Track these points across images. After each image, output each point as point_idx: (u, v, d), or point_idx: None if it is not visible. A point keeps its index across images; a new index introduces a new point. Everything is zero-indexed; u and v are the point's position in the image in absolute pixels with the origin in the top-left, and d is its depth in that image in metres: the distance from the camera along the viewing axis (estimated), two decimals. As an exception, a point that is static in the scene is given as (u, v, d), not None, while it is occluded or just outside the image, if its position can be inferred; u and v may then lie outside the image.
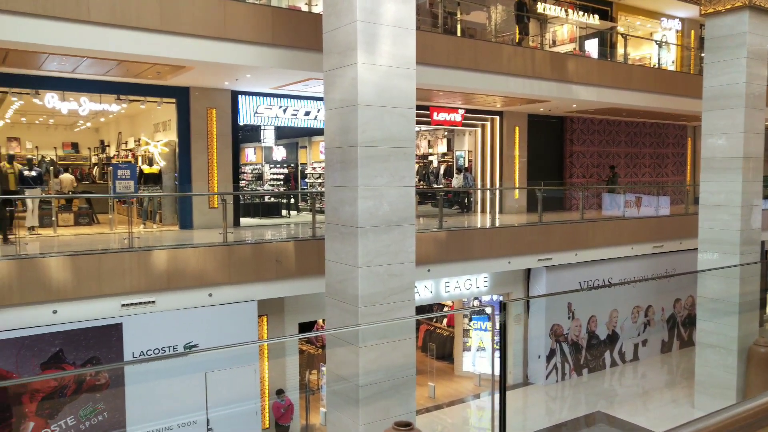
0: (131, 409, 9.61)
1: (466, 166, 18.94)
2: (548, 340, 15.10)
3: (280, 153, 22.72)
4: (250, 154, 23.98)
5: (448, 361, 16.74)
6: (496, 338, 14.92)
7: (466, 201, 18.99)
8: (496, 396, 5.74)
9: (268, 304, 11.50)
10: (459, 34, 14.89)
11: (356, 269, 7.75)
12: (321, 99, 14.96)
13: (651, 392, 14.88)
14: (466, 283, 14.40)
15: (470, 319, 16.17)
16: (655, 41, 21.10)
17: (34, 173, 12.38)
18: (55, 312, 8.82)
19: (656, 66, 19.97)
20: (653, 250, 16.39)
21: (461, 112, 17.25)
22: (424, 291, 13.60)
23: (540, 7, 17.41)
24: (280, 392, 11.49)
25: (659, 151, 22.45)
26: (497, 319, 5.26)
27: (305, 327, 13.14)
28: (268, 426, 11.59)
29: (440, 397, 14.50)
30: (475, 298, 15.94)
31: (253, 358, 10.75)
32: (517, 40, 16.09)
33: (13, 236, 11.19)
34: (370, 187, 7.71)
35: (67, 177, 16.16)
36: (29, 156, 16.66)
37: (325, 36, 8.27)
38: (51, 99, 12.13)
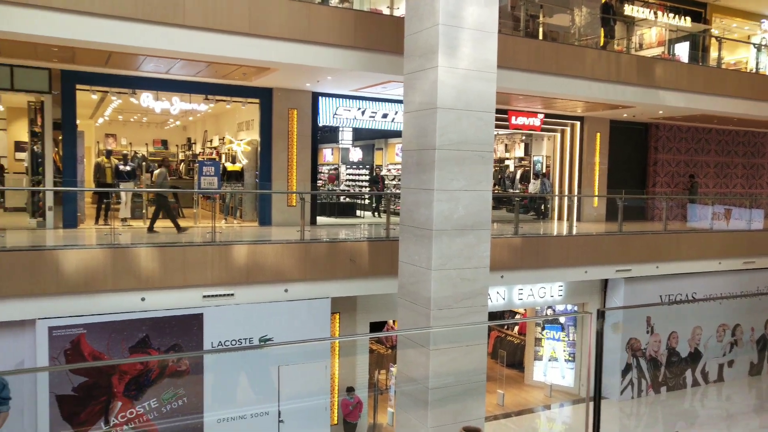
0: (209, 396, 10.03)
1: (544, 171, 18.55)
2: (624, 353, 14.55)
3: (356, 154, 23.06)
4: (327, 154, 24.48)
5: (518, 369, 16.46)
6: (587, 348, 14.60)
7: (542, 207, 18.60)
8: (590, 407, 5.62)
9: (341, 302, 11.71)
10: (541, 37, 14.60)
11: (429, 272, 7.77)
12: (399, 101, 15.14)
13: (736, 416, 14.06)
14: (539, 291, 14.11)
15: (543, 328, 15.83)
16: (754, 44, 19.90)
17: (128, 168, 13.17)
18: (143, 299, 9.34)
19: (754, 71, 18.82)
20: (744, 265, 15.46)
21: (540, 116, 16.93)
22: (496, 297, 13.43)
23: (627, 9, 16.82)
24: (350, 390, 11.67)
25: (754, 161, 21.16)
26: (593, 327, 5.16)
27: (376, 326, 13.28)
28: (336, 422, 11.80)
29: (509, 405, 14.27)
30: (549, 307, 15.59)
31: (324, 354, 10.97)
32: (601, 44, 15.61)
33: (108, 226, 11.97)
34: (446, 191, 7.72)
35: (161, 171, 17.04)
36: (124, 152, 17.70)
37: (406, 39, 8.35)
38: (146, 98, 12.86)
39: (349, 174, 22.73)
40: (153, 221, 11.63)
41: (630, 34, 16.89)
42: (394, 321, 14.73)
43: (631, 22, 16.75)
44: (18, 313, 8.75)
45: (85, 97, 12.96)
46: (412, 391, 8.12)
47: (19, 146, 17.76)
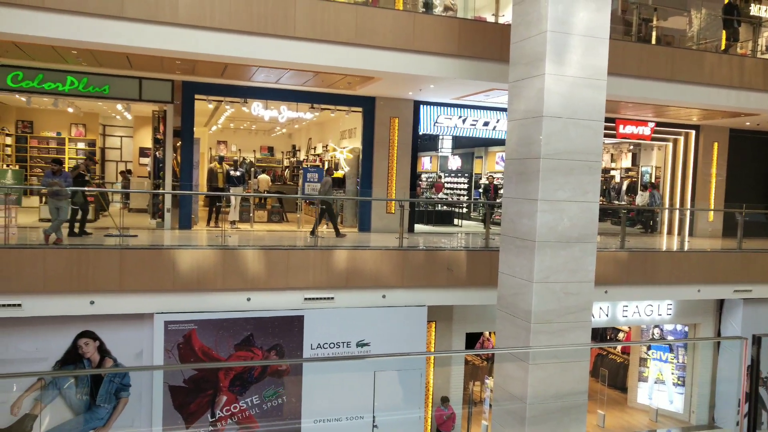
0: (307, 397, 10.32)
1: (653, 182, 17.58)
2: (742, 382, 13.42)
3: (455, 162, 22.96)
4: (426, 162, 24.54)
5: (620, 390, 15.65)
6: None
7: (650, 221, 17.62)
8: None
9: (438, 311, 11.68)
10: (654, 41, 13.88)
11: (531, 284, 7.58)
12: (502, 109, 14.94)
13: None
14: (646, 309, 13.38)
15: (648, 348, 14.97)
16: None
17: (238, 173, 13.87)
18: (248, 299, 9.79)
19: None
20: None
21: (651, 125, 16.08)
22: (599, 313, 12.88)
23: (754, 10, 15.62)
24: (444, 400, 11.59)
25: None
26: (748, 352, 4.83)
27: (472, 337, 13.13)
28: (429, 430, 11.76)
29: (610, 428, 13.60)
30: (656, 326, 14.73)
31: (420, 363, 10.97)
32: (722, 47, 14.60)
33: (218, 228, 12.65)
34: (551, 201, 7.51)
35: (264, 177, 17.88)
36: (235, 158, 18.66)
37: (512, 46, 8.22)
38: (256, 107, 13.50)
39: (448, 182, 22.65)
40: (316, 225, 12.11)
41: (756, 36, 15.67)
42: (490, 333, 14.49)
43: (757, 23, 15.54)
44: (138, 307, 9.44)
45: (202, 106, 13.81)
46: (509, 406, 7.93)
47: (143, 152, 19.22)
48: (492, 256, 10.61)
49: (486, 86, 12.09)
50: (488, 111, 15.09)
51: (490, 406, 12.30)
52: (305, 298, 10.05)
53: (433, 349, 12.07)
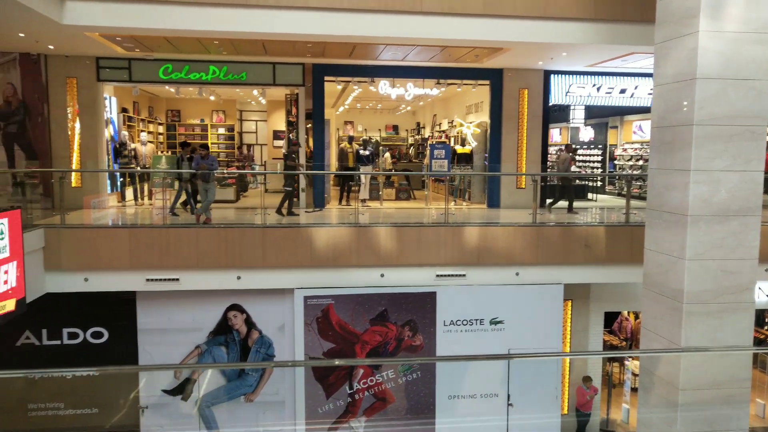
0: (441, 372, 10.39)
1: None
2: None
3: (587, 133, 21.80)
4: (555, 134, 23.54)
5: (782, 378, 14.22)
6: None
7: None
8: None
9: (574, 289, 11.24)
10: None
11: (682, 261, 7.01)
12: (641, 75, 13.93)
13: None
14: (816, 290, 11.95)
15: (817, 333, 13.43)
16: None
17: (367, 152, 14.11)
18: (382, 275, 9.98)
19: None
20: None
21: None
22: (758, 293, 11.68)
23: None
24: (587, 379, 11.16)
25: None
26: None
27: (610, 316, 12.51)
28: (566, 412, 11.41)
29: (771, 418, 12.42)
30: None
31: (556, 341, 10.63)
32: None
33: (350, 206, 12.99)
34: (705, 171, 6.86)
35: (387, 156, 18.08)
36: (364, 137, 19.03)
37: (658, 4, 7.55)
38: (383, 86, 13.61)
39: (580, 155, 21.59)
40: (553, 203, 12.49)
41: None
42: (629, 312, 13.73)
43: None
44: (280, 283, 9.96)
45: (331, 87, 14.16)
46: (658, 391, 7.45)
47: (276, 135, 20.16)
48: (633, 232, 10.01)
49: (624, 50, 11.30)
50: (625, 77, 14.13)
51: (633, 389, 11.69)
52: (437, 275, 10.07)
53: (569, 328, 11.66)
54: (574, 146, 21.41)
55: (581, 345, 11.79)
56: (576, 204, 13.22)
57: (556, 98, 14.06)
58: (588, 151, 21.50)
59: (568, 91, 14.06)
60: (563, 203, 13.16)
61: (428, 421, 10.41)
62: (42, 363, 10.16)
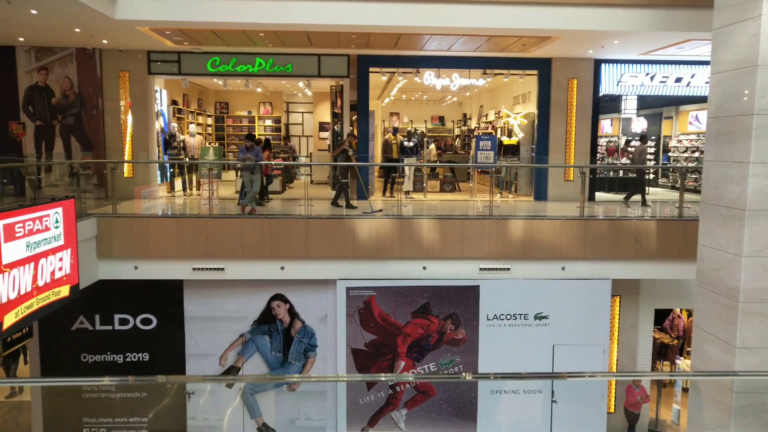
0: (483, 367, 10.27)
1: None
2: None
3: (639, 124, 21.10)
4: (605, 126, 22.87)
5: None
6: None
7: None
8: None
9: (622, 285, 10.92)
10: None
11: (739, 258, 6.69)
12: (698, 62, 13.37)
13: None
14: None
15: None
16: None
17: (412, 144, 14.02)
18: (424, 268, 9.91)
19: None
20: None
21: None
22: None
23: None
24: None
25: None
26: None
27: (661, 314, 12.11)
28: (613, 411, 11.12)
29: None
30: None
31: (603, 337, 10.35)
32: None
33: (393, 198, 12.95)
34: (766, 164, 6.51)
35: (432, 148, 17.95)
36: (408, 129, 18.91)
37: (717, -12, 7.19)
38: (428, 76, 13.47)
39: (632, 146, 20.90)
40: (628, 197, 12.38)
41: None
42: (681, 310, 13.27)
43: None
44: (322, 273, 10.01)
45: (376, 78, 14.12)
46: (709, 393, 7.15)
47: (322, 126, 20.28)
48: (687, 226, 9.63)
49: (680, 37, 10.84)
50: (681, 65, 13.58)
51: (684, 389, 11.31)
52: (480, 269, 9.94)
53: (617, 325, 11.33)
54: (647, 136, 20.77)
55: (630, 342, 11.46)
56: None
57: (606, 88, 13.64)
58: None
59: (619, 81, 13.62)
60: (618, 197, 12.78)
61: (470, 415, 10.31)
62: (95, 347, 10.53)
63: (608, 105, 18.79)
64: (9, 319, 6.38)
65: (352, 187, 13.22)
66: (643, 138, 13.04)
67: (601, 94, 13.81)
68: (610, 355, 11.03)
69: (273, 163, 13.07)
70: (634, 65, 13.48)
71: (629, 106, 17.35)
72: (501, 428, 10.29)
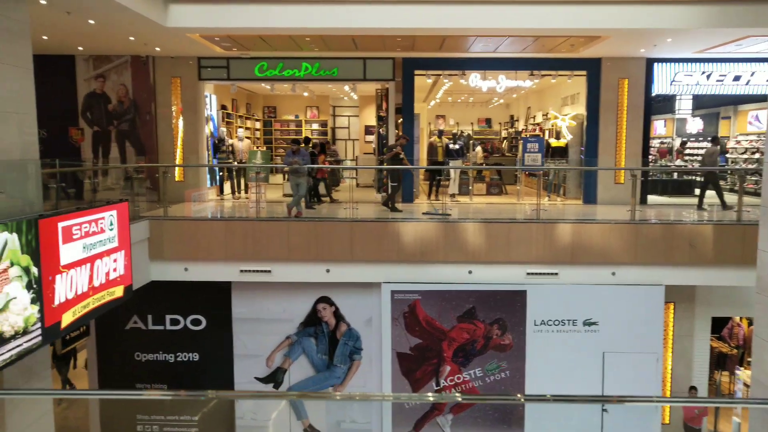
0: (531, 373, 10.09)
1: None
2: None
3: (695, 125, 20.38)
4: (659, 126, 22.19)
5: None
6: None
7: None
8: None
9: (676, 291, 10.55)
10: None
11: (803, 265, 6.36)
12: (756, 60, 12.83)
13: None
14: None
15: None
16: None
17: (457, 146, 13.93)
18: (470, 272, 9.80)
19: None
20: None
21: None
22: None
23: None
24: (693, 389, 10.38)
25: None
26: None
27: (719, 322, 11.64)
28: (668, 422, 10.75)
29: None
30: None
31: (656, 345, 10.02)
32: None
33: (439, 201, 12.88)
34: (833, 165, 6.18)
35: (478, 150, 17.75)
36: (454, 131, 18.85)
37: (779, -18, 6.88)
38: (474, 78, 13.36)
39: (688, 148, 20.22)
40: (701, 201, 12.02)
41: None
42: (741, 318, 12.72)
43: None
44: (367, 276, 10.02)
45: (421, 81, 14.08)
46: (772, 405, 6.81)
47: (368, 130, 20.36)
48: (746, 231, 9.24)
49: (738, 34, 10.42)
50: (740, 63, 13.07)
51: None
52: (528, 273, 9.76)
53: (671, 333, 10.95)
54: (718, 138, 20.12)
55: (685, 351, 11.05)
56: (680, 200, 12.40)
57: (659, 88, 13.23)
58: (696, 144, 20.10)
59: (673, 80, 13.19)
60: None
61: (517, 422, 10.14)
62: (148, 346, 10.82)
63: (661, 105, 18.25)
64: (67, 318, 6.61)
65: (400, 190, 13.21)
66: (715, 140, 12.52)
67: (653, 94, 13.40)
68: (664, 363, 10.66)
69: (327, 166, 13.20)
70: (689, 64, 13.04)
71: (684, 106, 16.82)
72: (549, 437, 10.07)
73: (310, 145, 12.92)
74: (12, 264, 5.49)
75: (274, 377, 10.66)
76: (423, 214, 11.08)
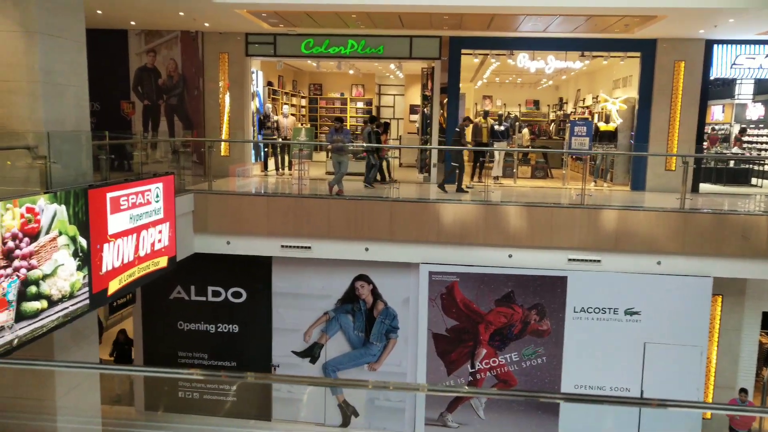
0: (568, 360, 9.95)
1: None
2: None
3: (756, 111, 19.45)
4: (716, 112, 21.28)
5: None
6: None
7: None
8: None
9: (725, 284, 10.19)
10: None
11: None
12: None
13: None
14: None
15: None
16: None
17: (503, 128, 13.70)
18: (510, 256, 9.67)
19: None
20: None
21: None
22: None
23: None
24: (743, 391, 9.89)
25: None
26: None
27: (769, 317, 11.19)
28: (710, 416, 10.46)
29: None
30: None
31: (700, 338, 9.73)
32: None
33: (482, 183, 12.72)
34: None
35: (523, 132, 17.44)
36: (499, 112, 18.51)
37: None
38: (522, 59, 13.06)
39: (747, 135, 19.35)
40: None
41: None
42: (794, 313, 12.20)
43: None
44: (406, 256, 10.01)
45: (468, 61, 13.84)
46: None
47: (412, 109, 20.22)
48: (804, 224, 8.81)
49: (808, 14, 9.84)
50: (807, 46, 12.37)
51: (791, 399, 10.45)
52: (569, 259, 9.58)
53: (717, 327, 10.61)
54: (713, 129, 19.27)
55: (732, 345, 10.70)
56: (734, 189, 11.91)
57: (718, 71, 12.67)
58: (756, 131, 19.21)
59: (734, 63, 12.60)
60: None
61: (551, 409, 10.05)
62: (190, 316, 11.13)
63: (720, 90, 17.52)
64: (113, 286, 6.85)
65: (443, 170, 13.10)
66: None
67: (712, 78, 12.85)
68: (708, 357, 10.36)
69: (385, 146, 13.20)
70: (752, 46, 12.42)
71: (744, 90, 16.10)
72: (585, 424, 9.95)
73: (375, 124, 12.89)
74: (60, 233, 5.70)
75: (311, 351, 10.84)
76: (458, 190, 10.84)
